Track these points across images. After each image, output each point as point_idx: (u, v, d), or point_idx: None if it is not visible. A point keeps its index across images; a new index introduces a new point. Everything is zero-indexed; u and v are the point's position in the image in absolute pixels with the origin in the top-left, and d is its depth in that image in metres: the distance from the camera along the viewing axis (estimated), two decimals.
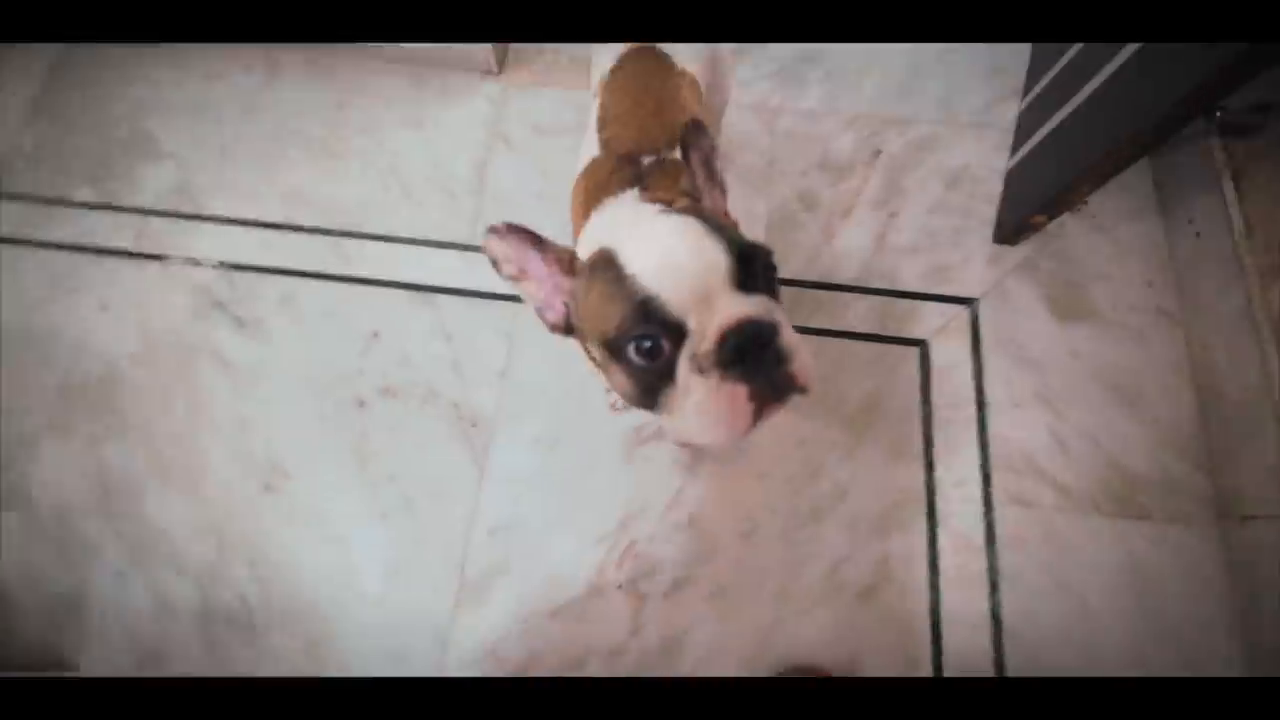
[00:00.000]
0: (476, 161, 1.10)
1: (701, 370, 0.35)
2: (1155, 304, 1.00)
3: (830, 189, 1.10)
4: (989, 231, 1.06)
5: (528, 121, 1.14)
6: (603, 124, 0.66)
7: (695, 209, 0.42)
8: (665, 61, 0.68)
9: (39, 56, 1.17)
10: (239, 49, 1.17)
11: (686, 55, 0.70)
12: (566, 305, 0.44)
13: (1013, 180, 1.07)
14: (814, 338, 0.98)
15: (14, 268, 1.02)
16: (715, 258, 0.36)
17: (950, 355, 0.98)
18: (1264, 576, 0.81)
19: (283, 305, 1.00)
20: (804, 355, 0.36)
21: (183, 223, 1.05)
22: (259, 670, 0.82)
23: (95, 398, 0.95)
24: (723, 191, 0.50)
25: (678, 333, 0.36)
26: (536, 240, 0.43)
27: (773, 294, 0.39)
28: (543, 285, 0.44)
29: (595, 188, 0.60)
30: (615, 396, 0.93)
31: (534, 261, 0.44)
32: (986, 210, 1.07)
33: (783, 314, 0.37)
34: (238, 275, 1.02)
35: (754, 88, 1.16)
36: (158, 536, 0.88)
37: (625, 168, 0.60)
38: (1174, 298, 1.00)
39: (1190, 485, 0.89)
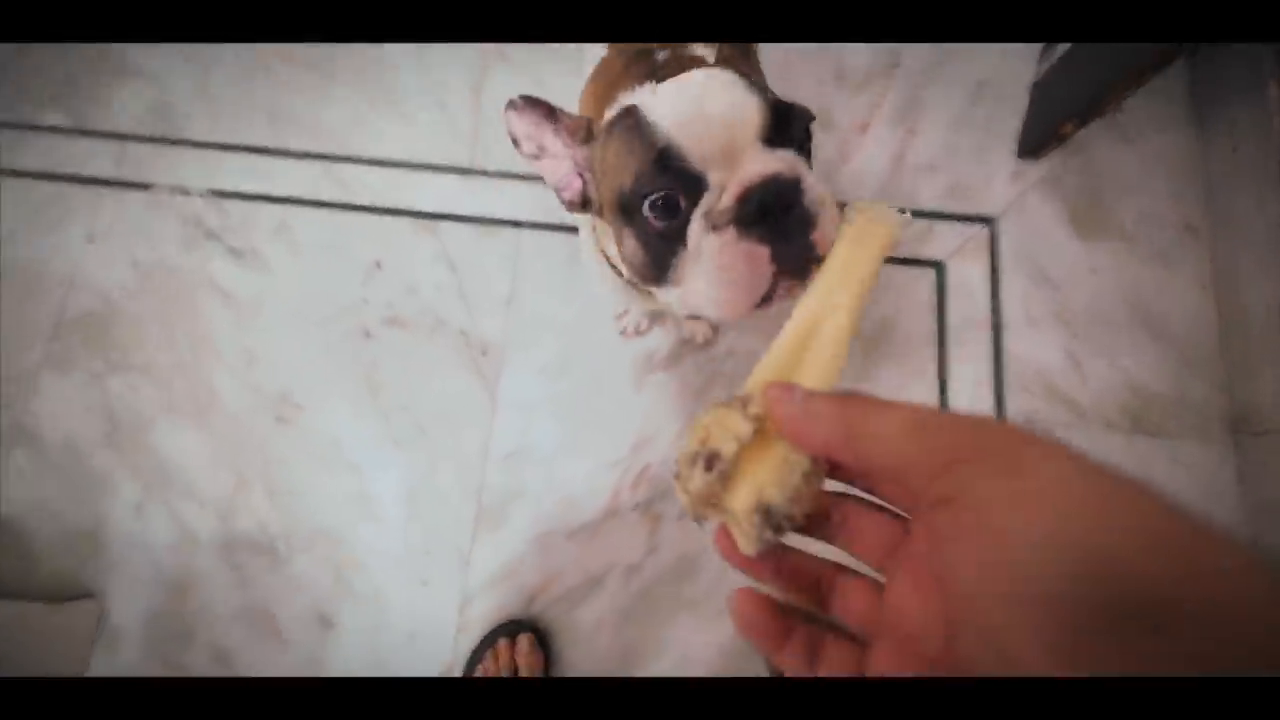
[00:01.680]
0: (473, 80, 1.04)
1: (716, 227, 0.32)
2: (1182, 219, 0.97)
3: (846, 104, 1.04)
4: (1013, 146, 1.01)
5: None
6: None
7: (729, 62, 0.39)
8: None
9: None
10: None
11: None
12: (583, 178, 0.41)
13: (1040, 90, 1.01)
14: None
15: None
16: (745, 110, 0.33)
17: (967, 275, 0.96)
18: (1272, 490, 0.82)
19: (278, 234, 0.96)
20: (828, 223, 0.32)
21: (164, 148, 1.00)
22: (284, 595, 0.84)
23: (92, 332, 0.92)
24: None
25: (696, 186, 0.33)
26: (550, 112, 0.40)
27: (806, 156, 0.36)
28: (560, 162, 0.41)
29: (607, 87, 0.56)
30: (626, 320, 0.91)
31: (550, 136, 0.41)
32: (1011, 124, 1.02)
33: (812, 176, 0.34)
34: (228, 203, 0.97)
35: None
36: (172, 469, 0.88)
37: (639, 63, 0.56)
38: (1202, 213, 0.97)
39: (1206, 402, 0.89)
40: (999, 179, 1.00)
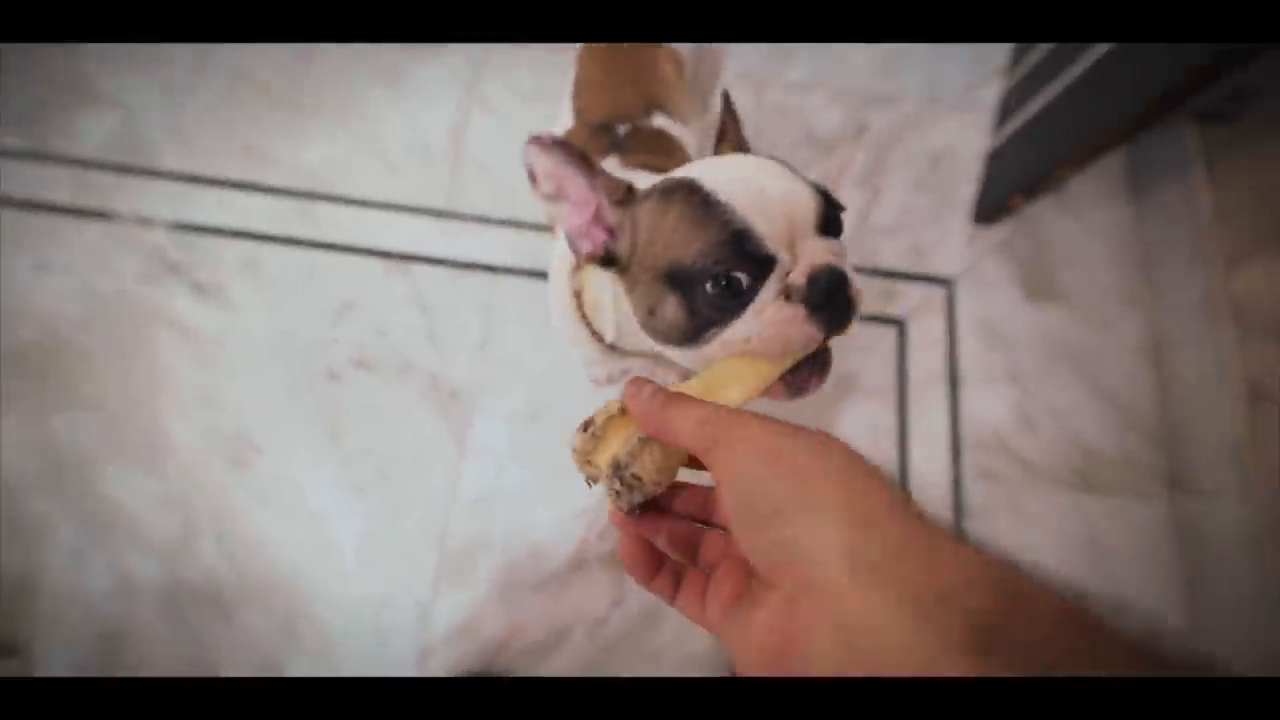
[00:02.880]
0: (453, 124, 1.05)
1: (789, 298, 0.34)
2: (1121, 287, 1.04)
3: (816, 164, 1.09)
4: (968, 211, 1.07)
5: (507, 83, 1.08)
6: (577, 93, 0.65)
7: (725, 136, 0.41)
8: None
9: None
10: None
11: None
12: (610, 234, 0.41)
13: (994, 161, 1.08)
14: None
15: None
16: (803, 198, 0.35)
17: (927, 333, 1.00)
18: (1209, 548, 0.86)
19: (246, 270, 0.94)
20: (858, 312, 0.36)
21: (129, 177, 0.97)
22: (230, 649, 0.80)
23: (37, 366, 0.88)
24: None
25: (768, 266, 0.34)
26: (586, 163, 0.39)
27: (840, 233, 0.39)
28: (582, 212, 0.40)
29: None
30: (597, 371, 0.92)
31: (577, 184, 0.40)
32: (966, 190, 1.08)
33: (853, 272, 0.36)
34: (194, 237, 0.95)
35: (741, 58, 1.13)
36: (116, 513, 0.84)
37: (600, 137, 0.58)
38: (1139, 281, 1.04)
39: (1147, 461, 0.94)
40: (956, 242, 1.05)
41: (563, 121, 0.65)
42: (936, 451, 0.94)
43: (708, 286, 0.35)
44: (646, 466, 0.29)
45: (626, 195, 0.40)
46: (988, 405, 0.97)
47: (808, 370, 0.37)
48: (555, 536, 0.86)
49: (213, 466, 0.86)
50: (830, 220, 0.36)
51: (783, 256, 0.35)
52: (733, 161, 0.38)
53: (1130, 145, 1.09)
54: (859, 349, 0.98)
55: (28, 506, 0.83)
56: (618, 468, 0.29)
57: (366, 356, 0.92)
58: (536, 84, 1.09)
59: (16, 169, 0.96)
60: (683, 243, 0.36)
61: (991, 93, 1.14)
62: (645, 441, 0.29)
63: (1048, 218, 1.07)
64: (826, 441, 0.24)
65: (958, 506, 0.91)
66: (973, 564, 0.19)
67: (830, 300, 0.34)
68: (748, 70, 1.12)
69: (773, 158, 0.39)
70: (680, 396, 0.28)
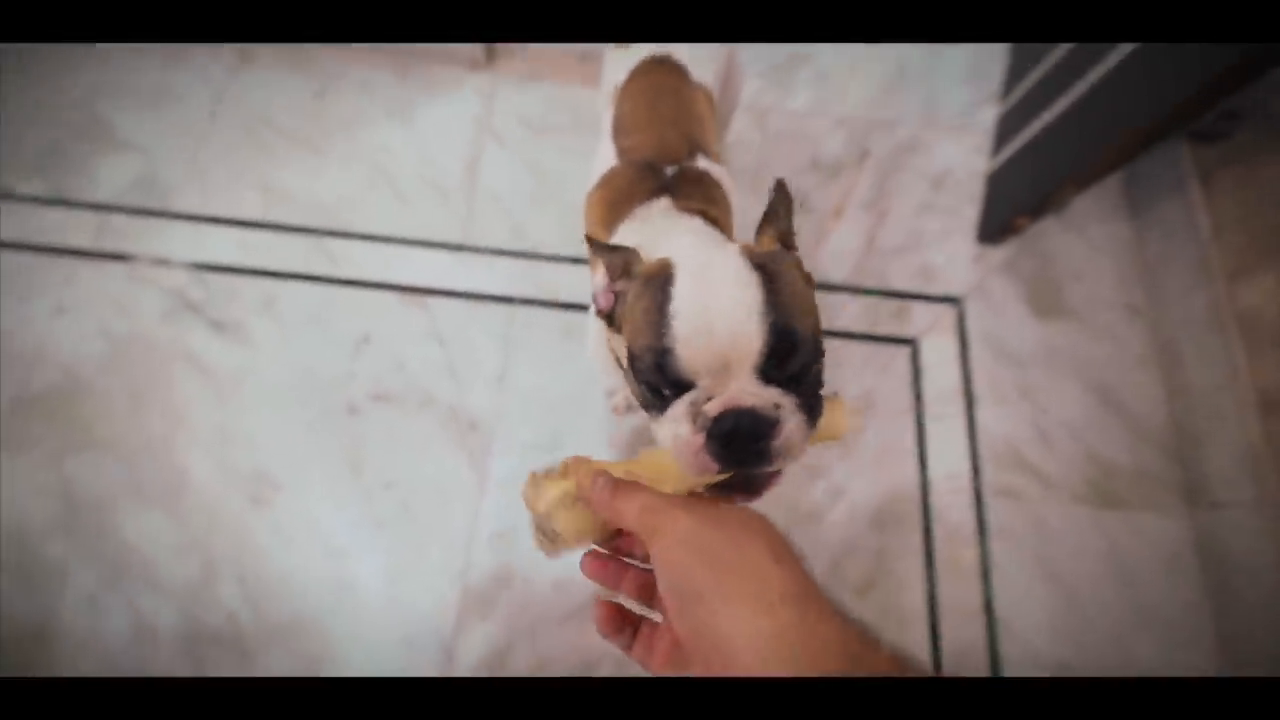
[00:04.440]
0: (467, 159, 1.07)
1: (694, 420, 0.35)
2: (1126, 301, 1.06)
3: (821, 190, 1.11)
4: (973, 231, 1.10)
5: (519, 117, 1.11)
6: (620, 131, 0.65)
7: (776, 262, 0.38)
8: (681, 72, 0.68)
9: None
10: None
11: (701, 66, 0.69)
12: (615, 297, 0.44)
13: (995, 182, 1.10)
14: None
15: None
16: (748, 338, 0.35)
17: (939, 353, 1.01)
18: (1234, 561, 0.86)
19: (264, 308, 0.95)
20: (786, 463, 0.36)
21: (148, 220, 0.99)
22: None
23: (55, 409, 0.88)
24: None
25: (684, 388, 0.36)
26: (600, 242, 0.44)
27: (805, 386, 0.37)
28: (602, 274, 0.45)
29: (617, 198, 0.59)
30: (617, 399, 0.92)
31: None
32: (970, 211, 1.11)
33: (796, 413, 0.36)
34: (213, 276, 0.96)
35: (746, 87, 1.16)
36: (133, 556, 0.83)
37: (648, 176, 0.59)
38: (1143, 295, 1.06)
39: (1162, 474, 0.95)
40: (962, 261, 1.07)
41: (604, 158, 0.66)
42: (957, 469, 0.95)
43: (641, 376, 0.38)
44: (565, 526, 0.34)
45: (626, 269, 0.42)
46: (1003, 422, 0.97)
47: (738, 488, 0.37)
48: (578, 569, 0.86)
49: (232, 505, 0.85)
50: (778, 364, 0.36)
51: (703, 382, 0.35)
52: (719, 272, 0.38)
53: (1127, 164, 1.12)
54: (875, 369, 0.99)
55: (44, 551, 0.82)
56: (542, 520, 0.34)
57: (385, 390, 0.92)
58: (547, 117, 1.11)
59: (37, 214, 0.97)
60: (637, 333, 0.38)
61: (988, 115, 1.17)
62: (568, 505, 0.33)
63: (1051, 235, 1.09)
64: (748, 532, 0.28)
65: (981, 525, 0.91)
66: (834, 641, 0.25)
67: (732, 441, 0.34)
68: (751, 100, 1.15)
69: (774, 273, 0.38)
70: (626, 485, 0.32)
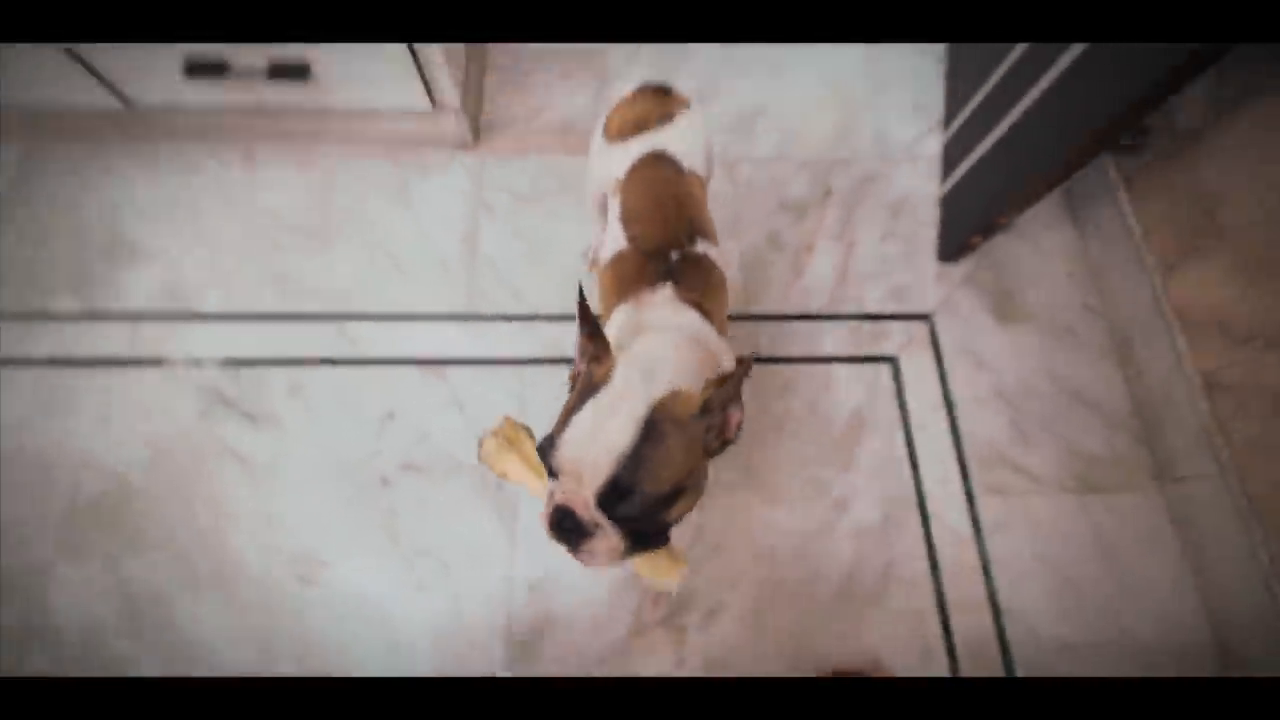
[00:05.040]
0: (464, 232, 1.16)
1: (548, 496, 0.51)
2: (1081, 301, 1.16)
3: (792, 228, 1.21)
4: (934, 251, 1.20)
5: (507, 189, 1.20)
6: (628, 219, 0.72)
7: (670, 426, 0.48)
8: (674, 164, 0.75)
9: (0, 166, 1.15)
10: (210, 137, 1.19)
11: (691, 156, 0.77)
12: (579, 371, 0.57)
13: (947, 205, 1.21)
14: (800, 365, 1.09)
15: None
16: (597, 476, 0.47)
17: (918, 367, 1.10)
18: (1202, 528, 0.95)
19: (292, 395, 1.02)
20: (595, 563, 0.51)
21: (176, 323, 1.06)
22: None
23: (107, 515, 0.93)
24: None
25: (554, 474, 0.50)
26: (586, 321, 0.54)
27: (642, 523, 0.49)
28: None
29: (626, 279, 0.67)
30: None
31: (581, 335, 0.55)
32: (929, 233, 1.21)
33: (613, 536, 0.49)
34: (242, 370, 1.03)
35: (714, 139, 1.26)
36: (196, 647, 0.87)
37: (655, 262, 0.67)
38: (1095, 294, 1.16)
39: (1132, 457, 1.04)
40: (928, 280, 1.17)
41: (613, 241, 0.73)
42: (948, 474, 1.03)
43: (539, 448, 0.51)
44: (513, 474, 0.58)
45: (595, 356, 0.54)
46: (984, 424, 1.06)
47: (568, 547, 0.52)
48: (612, 609, 0.92)
49: (283, 587, 0.91)
50: (610, 503, 0.48)
51: (564, 479, 0.49)
52: (620, 411, 0.49)
53: (1062, 184, 1.24)
54: (863, 389, 1.08)
55: (110, 651, 0.87)
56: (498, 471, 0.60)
57: (413, 460, 0.99)
58: (533, 186, 1.21)
59: (73, 329, 1.04)
60: (560, 413, 0.52)
61: (934, 144, 1.29)
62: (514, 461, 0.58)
63: (1004, 247, 1.20)
64: None
65: (976, 524, 0.99)
66: None
67: (557, 525, 0.50)
68: (720, 153, 1.25)
69: (660, 423, 0.49)
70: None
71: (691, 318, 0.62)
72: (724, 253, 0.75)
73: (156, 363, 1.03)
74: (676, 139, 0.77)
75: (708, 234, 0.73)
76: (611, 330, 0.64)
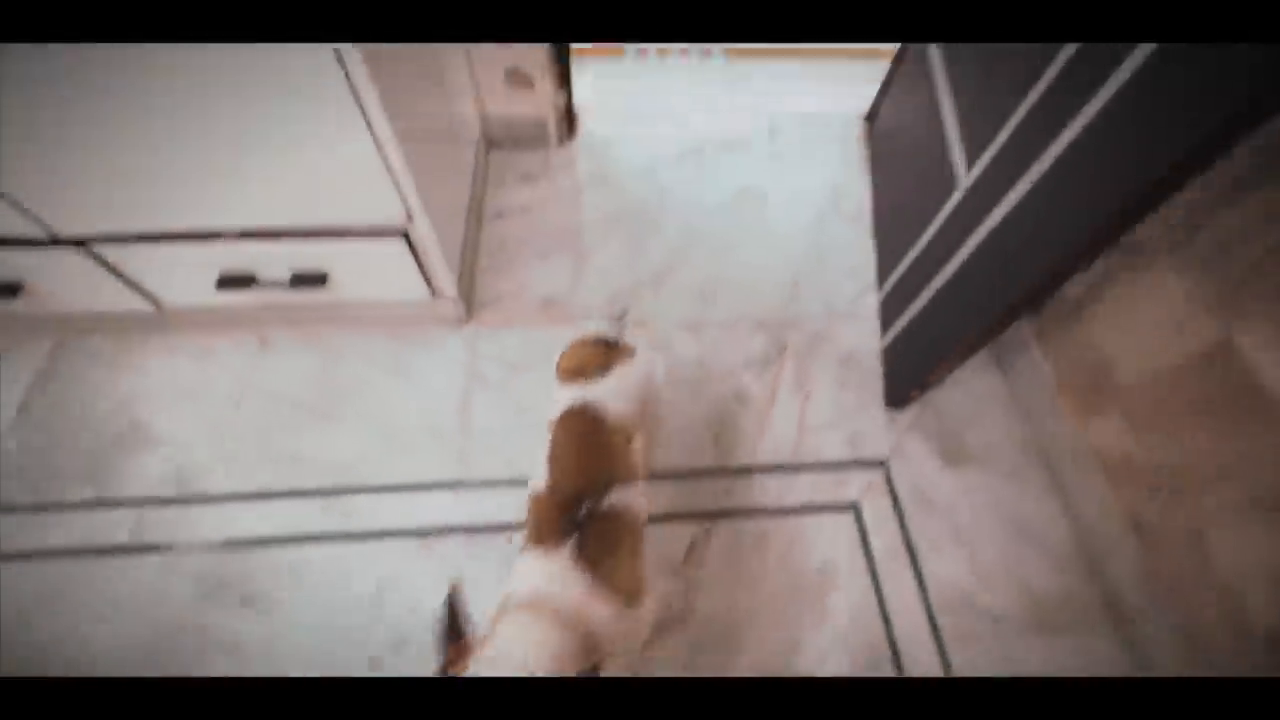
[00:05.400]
0: (458, 404, 1.27)
1: None
2: (1017, 440, 1.29)
3: (755, 382, 1.35)
4: (882, 400, 1.34)
5: (500, 360, 1.33)
6: (552, 461, 0.77)
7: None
8: (598, 418, 0.80)
9: (26, 363, 1.25)
10: (230, 326, 1.32)
11: (621, 405, 0.82)
12: None
13: (888, 357, 1.37)
14: (770, 519, 1.17)
15: (5, 584, 1.03)
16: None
17: (877, 512, 1.19)
18: (1164, 671, 1.00)
19: (287, 575, 1.06)
20: None
21: (180, 508, 1.12)
22: None
23: None
24: None
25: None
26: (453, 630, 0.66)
27: None
28: None
29: (539, 524, 0.74)
30: None
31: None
32: (877, 382, 1.36)
33: None
34: (240, 551, 1.08)
35: (677, 309, 1.44)
36: None
37: (566, 515, 0.72)
38: (1029, 435, 1.29)
39: (1084, 595, 1.11)
40: (880, 428, 1.30)
41: (538, 480, 0.78)
42: (916, 620, 1.08)
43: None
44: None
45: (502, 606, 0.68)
46: (945, 567, 1.13)
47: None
48: None
49: None
50: None
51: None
52: (506, 638, 0.62)
53: (985, 347, 1.42)
54: (828, 539, 1.16)
55: None
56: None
57: (405, 635, 1.02)
58: (524, 355, 1.35)
59: (82, 518, 1.09)
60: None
61: (872, 301, 1.48)
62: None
63: (943, 393, 1.34)
64: None
65: (947, 669, 1.03)
66: None
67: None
68: (684, 319, 1.42)
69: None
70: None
71: (573, 594, 0.67)
72: (642, 494, 0.80)
73: (158, 548, 1.07)
74: (609, 391, 0.82)
75: (629, 479, 0.77)
76: (514, 578, 0.71)
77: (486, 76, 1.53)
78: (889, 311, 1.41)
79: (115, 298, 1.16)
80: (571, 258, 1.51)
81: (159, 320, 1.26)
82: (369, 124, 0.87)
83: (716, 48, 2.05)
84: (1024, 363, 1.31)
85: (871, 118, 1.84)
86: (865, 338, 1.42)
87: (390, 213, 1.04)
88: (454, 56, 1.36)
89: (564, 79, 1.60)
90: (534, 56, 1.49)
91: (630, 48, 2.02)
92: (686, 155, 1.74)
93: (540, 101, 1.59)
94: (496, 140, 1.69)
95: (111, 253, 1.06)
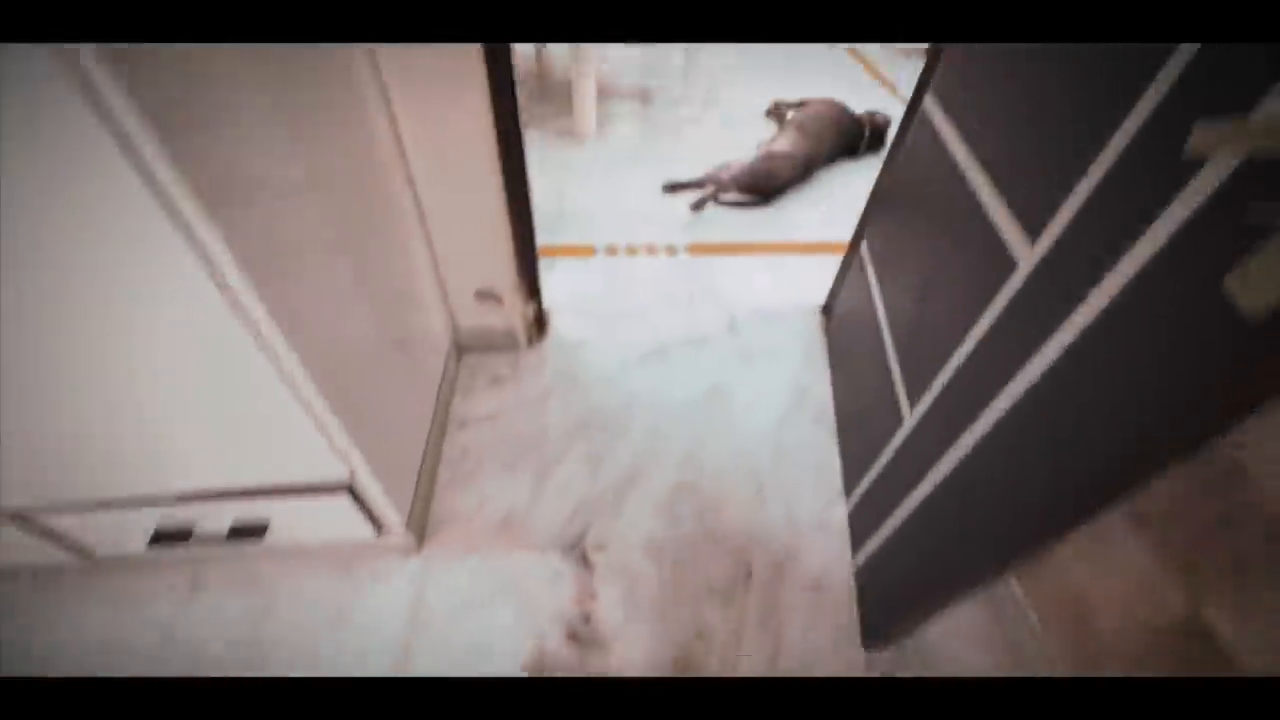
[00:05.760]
0: (398, 654, 1.17)
1: None
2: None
3: (719, 617, 1.26)
4: (858, 638, 1.23)
5: (448, 599, 1.25)
6: None
7: None
8: None
9: None
10: (163, 569, 1.25)
11: None
12: None
13: (860, 581, 1.29)
14: None
15: None
16: None
17: None
18: None
19: None
20: None
21: None
22: None
23: None
24: None
25: None
26: None
27: None
28: None
29: None
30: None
31: None
32: (849, 615, 1.26)
33: None
34: None
35: (638, 527, 1.39)
36: None
37: None
38: (1013, 672, 1.18)
39: None
40: (858, 670, 1.18)
41: None
42: None
43: None
44: None
45: None
46: None
47: None
48: None
49: None
50: None
51: None
52: None
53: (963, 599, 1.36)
54: None
55: None
56: None
57: None
58: (474, 591, 1.27)
59: None
60: None
61: (840, 512, 1.43)
62: None
63: (926, 628, 1.24)
64: None
65: None
66: None
67: None
68: (645, 538, 1.37)
69: None
70: None
71: None
72: None
73: None
74: None
75: None
76: None
77: (458, 297, 1.62)
78: (858, 527, 1.36)
79: (39, 553, 1.12)
80: (534, 468, 1.49)
81: (86, 568, 1.21)
82: (307, 405, 0.89)
83: (680, 245, 2.21)
84: (1004, 595, 1.23)
85: (827, 311, 1.93)
86: (835, 556, 1.36)
87: (331, 472, 1.03)
88: (428, 283, 1.45)
89: (533, 291, 1.70)
90: (503, 276, 1.59)
91: (600, 245, 2.18)
92: (651, 355, 1.80)
93: (510, 313, 1.68)
94: (468, 346, 1.75)
95: (46, 520, 1.04)
